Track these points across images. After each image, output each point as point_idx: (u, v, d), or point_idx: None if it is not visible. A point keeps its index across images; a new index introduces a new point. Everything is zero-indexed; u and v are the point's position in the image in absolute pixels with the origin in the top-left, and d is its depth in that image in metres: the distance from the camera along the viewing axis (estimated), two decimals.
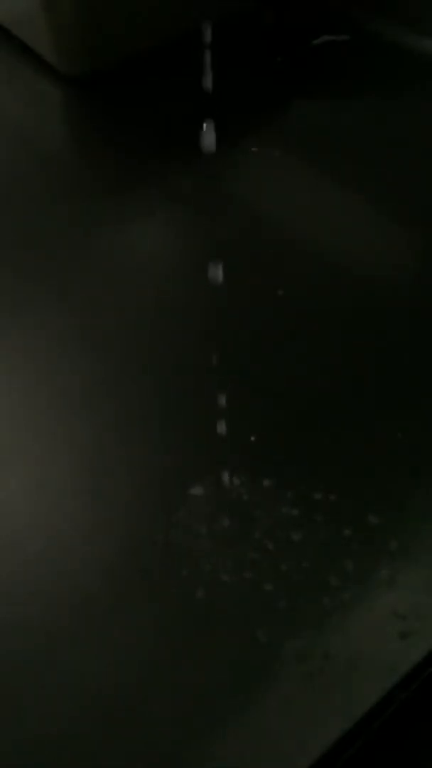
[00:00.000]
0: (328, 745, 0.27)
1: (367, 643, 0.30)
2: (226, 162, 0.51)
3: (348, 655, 0.30)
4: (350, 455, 0.37)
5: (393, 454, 0.37)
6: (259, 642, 0.30)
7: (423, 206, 0.50)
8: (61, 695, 0.29)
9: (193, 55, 0.38)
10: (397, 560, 0.33)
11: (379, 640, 0.31)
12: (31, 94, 0.60)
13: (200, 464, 0.36)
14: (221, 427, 0.37)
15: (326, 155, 0.54)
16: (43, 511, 0.35)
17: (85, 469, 0.37)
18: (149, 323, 0.43)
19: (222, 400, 0.37)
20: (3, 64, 0.62)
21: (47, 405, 0.39)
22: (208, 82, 0.39)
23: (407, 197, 0.50)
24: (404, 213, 0.49)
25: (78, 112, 0.59)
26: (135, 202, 0.51)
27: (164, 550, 0.33)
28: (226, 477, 0.35)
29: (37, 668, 0.30)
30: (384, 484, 0.36)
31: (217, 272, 0.39)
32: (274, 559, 0.33)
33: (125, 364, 0.41)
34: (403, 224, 0.49)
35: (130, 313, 0.44)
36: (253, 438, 0.37)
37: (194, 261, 0.47)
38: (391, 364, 0.41)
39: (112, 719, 0.29)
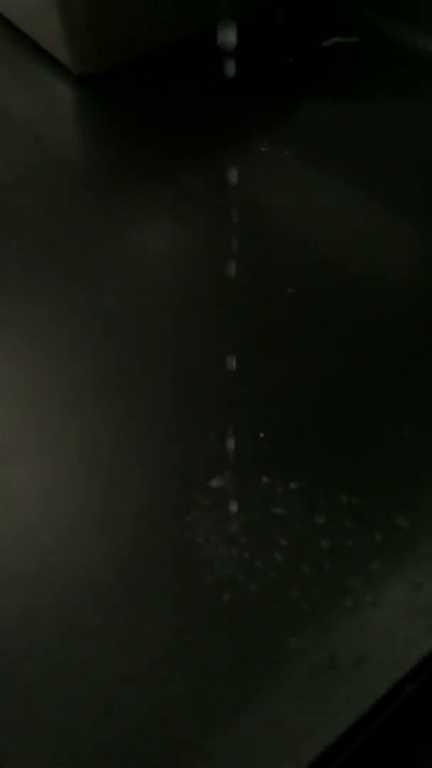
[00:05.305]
0: (337, 735, 0.28)
1: (383, 640, 0.31)
2: (236, 161, 0.51)
3: (361, 651, 0.30)
4: (373, 455, 0.37)
5: (413, 456, 0.37)
6: (272, 636, 0.31)
7: None
8: (71, 682, 0.30)
9: (203, 55, 0.38)
10: (423, 564, 0.33)
11: (396, 637, 0.31)
12: (43, 93, 0.60)
13: (213, 462, 0.36)
14: (233, 425, 0.37)
15: (336, 155, 0.54)
16: (56, 504, 0.35)
17: (97, 463, 0.37)
18: (159, 320, 0.43)
19: (233, 398, 0.37)
20: (15, 63, 0.62)
21: (60, 399, 0.40)
22: (219, 81, 0.39)
23: (418, 198, 0.50)
24: (415, 214, 0.50)
25: (90, 112, 0.59)
26: (146, 200, 0.51)
27: (177, 544, 0.33)
28: (241, 475, 0.35)
29: (48, 656, 0.30)
30: (413, 486, 0.36)
31: (227, 271, 0.39)
32: (297, 560, 0.33)
33: (137, 360, 0.41)
34: (414, 225, 0.49)
35: (140, 309, 0.44)
36: (269, 437, 0.37)
37: (204, 259, 0.47)
38: (407, 364, 0.41)
39: (119, 708, 0.29)
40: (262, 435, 0.37)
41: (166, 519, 0.34)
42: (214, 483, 0.35)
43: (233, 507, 0.35)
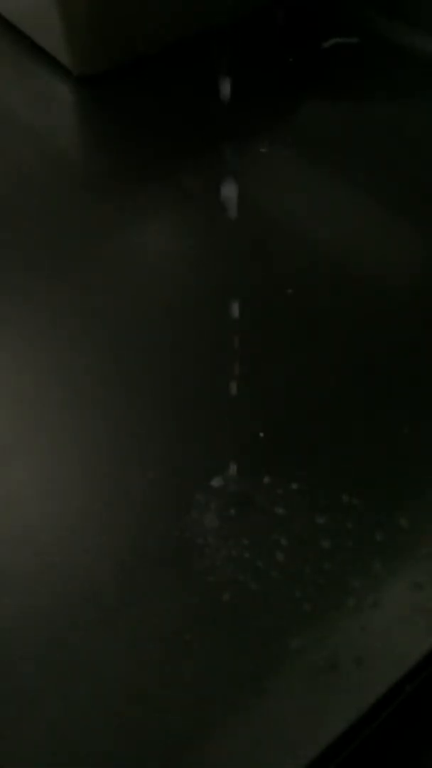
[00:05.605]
0: (337, 735, 0.28)
1: (383, 640, 0.31)
2: (236, 162, 0.51)
3: (361, 651, 0.30)
4: (373, 455, 0.37)
5: (412, 453, 0.37)
6: (272, 636, 0.31)
7: None
8: (71, 682, 0.30)
9: (204, 55, 0.38)
10: (423, 564, 0.33)
11: (396, 637, 0.31)
12: (43, 93, 0.60)
13: (213, 462, 0.36)
14: (233, 426, 0.37)
15: (336, 156, 0.54)
16: (56, 504, 0.35)
17: (97, 463, 0.37)
18: (160, 321, 0.43)
19: (233, 398, 0.37)
20: (15, 64, 0.62)
21: (60, 399, 0.40)
22: (219, 82, 0.39)
23: (418, 198, 0.50)
24: (415, 214, 0.50)
25: (90, 112, 0.59)
26: (146, 201, 0.51)
27: (177, 544, 0.33)
28: (241, 475, 0.35)
29: (48, 656, 0.30)
30: (413, 486, 0.36)
31: (227, 271, 0.39)
32: (298, 560, 0.33)
33: (137, 360, 0.41)
34: (413, 225, 0.49)
35: (141, 309, 0.44)
36: (269, 437, 0.37)
37: (204, 259, 0.47)
38: (407, 364, 0.41)
39: (119, 707, 0.29)
40: (262, 435, 0.37)
41: (166, 519, 0.34)
42: (214, 483, 0.35)
43: (233, 507, 0.35)
